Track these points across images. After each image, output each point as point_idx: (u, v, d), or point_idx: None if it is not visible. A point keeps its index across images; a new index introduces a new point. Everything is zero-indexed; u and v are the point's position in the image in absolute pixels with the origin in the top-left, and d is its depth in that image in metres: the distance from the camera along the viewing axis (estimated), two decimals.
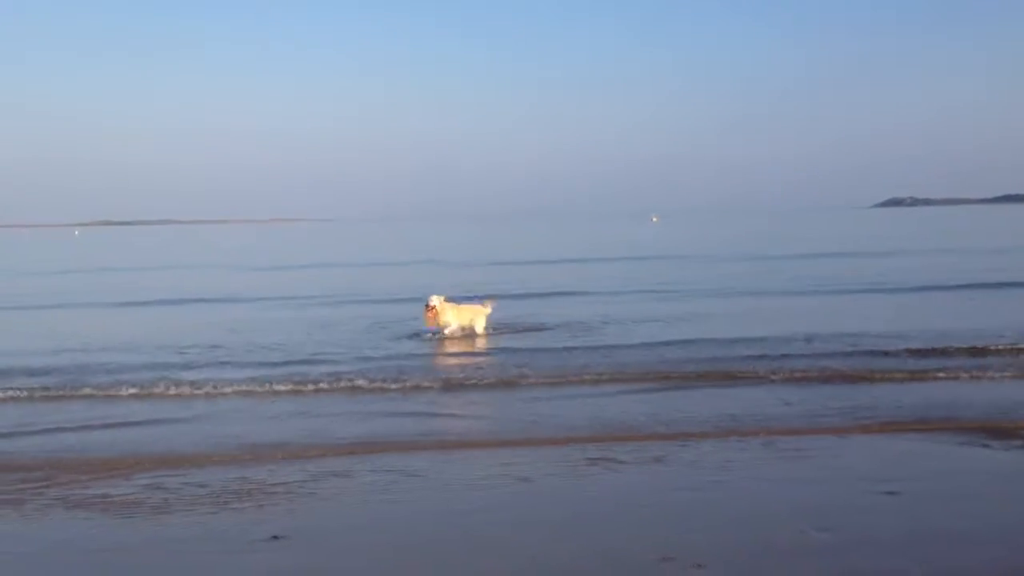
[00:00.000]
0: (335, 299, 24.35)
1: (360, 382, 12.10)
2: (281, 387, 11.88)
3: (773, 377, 12.03)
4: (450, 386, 12.10)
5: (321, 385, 11.90)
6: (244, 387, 11.97)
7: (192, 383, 12.19)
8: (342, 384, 12.03)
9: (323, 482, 7.96)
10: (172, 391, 11.81)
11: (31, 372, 13.31)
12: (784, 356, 13.25)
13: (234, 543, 6.47)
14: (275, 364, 13.72)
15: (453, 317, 16.07)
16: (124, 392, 11.84)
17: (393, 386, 11.91)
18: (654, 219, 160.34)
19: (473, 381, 12.27)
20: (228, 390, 11.85)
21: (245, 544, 6.44)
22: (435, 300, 15.92)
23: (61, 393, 11.94)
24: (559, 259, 41.87)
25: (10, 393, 11.80)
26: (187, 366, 13.74)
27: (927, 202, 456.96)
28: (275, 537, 6.53)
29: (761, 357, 13.22)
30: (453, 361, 14.30)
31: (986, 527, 6.58)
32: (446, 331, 15.99)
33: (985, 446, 8.74)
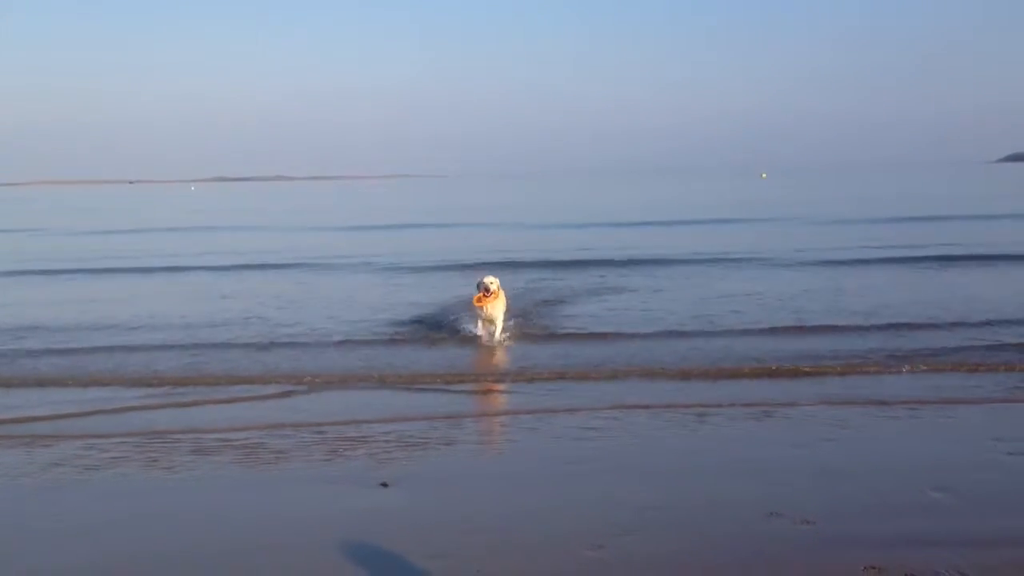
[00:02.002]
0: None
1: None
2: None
3: None
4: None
5: None
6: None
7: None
8: None
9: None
10: None
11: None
12: None
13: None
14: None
15: (501, 312, 12.19)
16: None
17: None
18: (763, 176, 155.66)
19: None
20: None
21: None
22: (494, 283, 11.88)
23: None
24: (684, 219, 38.23)
25: None
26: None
27: None
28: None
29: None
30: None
31: None
32: (495, 333, 12.18)
33: None
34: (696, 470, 7.12)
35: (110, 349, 12.10)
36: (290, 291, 17.84)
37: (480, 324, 12.17)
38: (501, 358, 11.36)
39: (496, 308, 11.94)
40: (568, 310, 14.63)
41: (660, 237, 29.93)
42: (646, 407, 8.86)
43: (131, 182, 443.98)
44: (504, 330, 12.26)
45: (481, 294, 11.76)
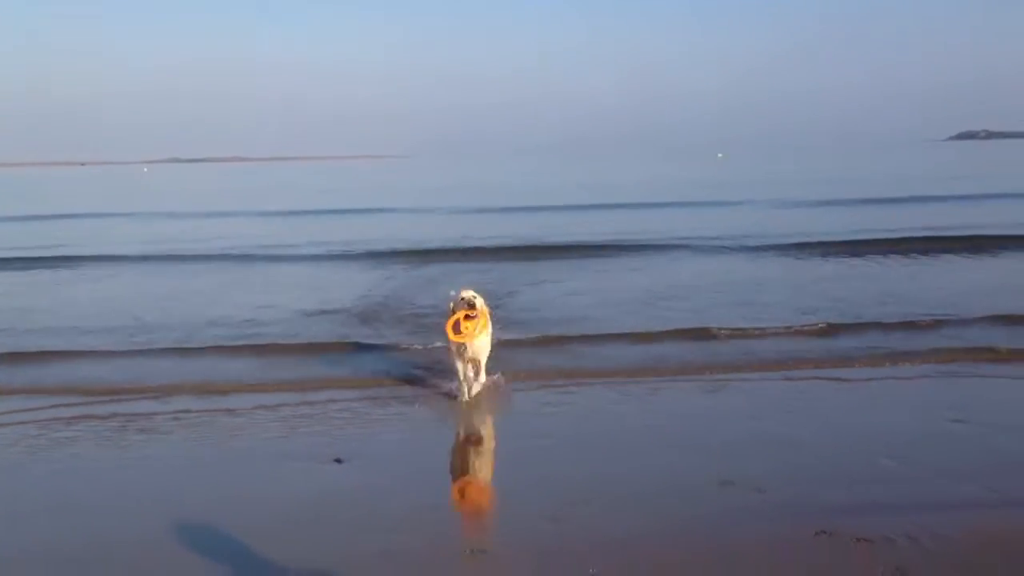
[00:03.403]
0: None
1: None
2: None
3: None
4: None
5: None
6: None
7: None
8: None
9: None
10: None
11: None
12: None
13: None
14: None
15: (488, 344, 8.22)
16: None
17: None
18: (720, 156, 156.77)
19: None
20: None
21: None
22: (478, 299, 7.90)
23: None
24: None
25: None
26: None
27: (1001, 135, 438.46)
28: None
29: None
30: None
31: None
32: (475, 379, 8.25)
33: None
34: (650, 442, 7.17)
35: None
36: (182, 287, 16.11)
37: (457, 366, 8.11)
38: (488, 434, 7.75)
39: (482, 339, 7.93)
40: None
41: (583, 221, 28.16)
42: (602, 381, 8.89)
43: (82, 164, 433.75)
44: (488, 371, 8.36)
45: (460, 316, 7.63)
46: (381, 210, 34.75)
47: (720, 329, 10.80)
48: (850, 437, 7.11)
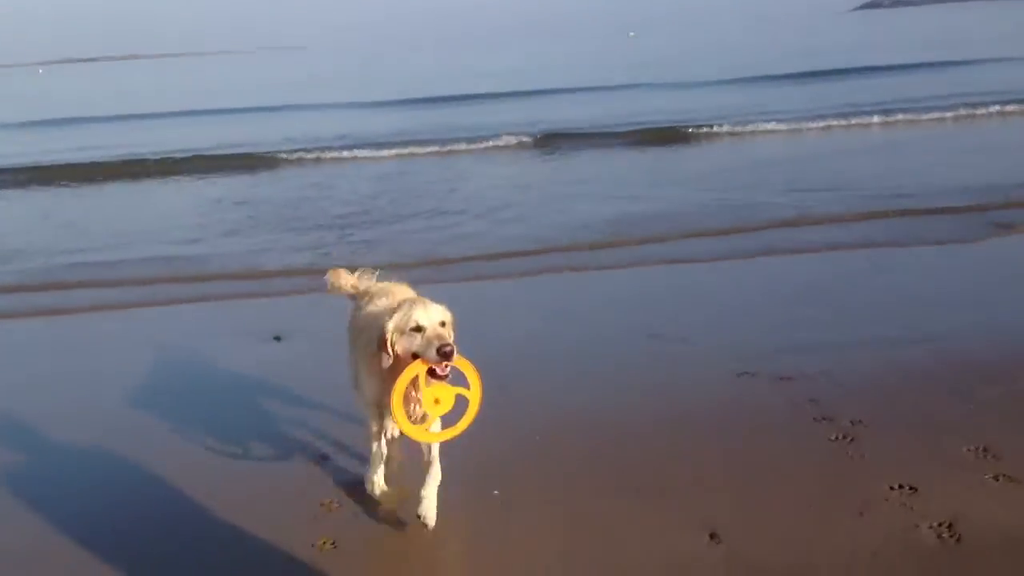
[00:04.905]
0: None
1: None
2: None
3: None
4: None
5: None
6: None
7: None
8: None
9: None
10: None
11: None
12: None
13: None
14: None
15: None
16: None
17: None
18: (632, 35, 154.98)
19: None
20: None
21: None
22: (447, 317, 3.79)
23: None
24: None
25: None
26: None
27: (907, 3, 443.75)
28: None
29: None
30: None
31: None
32: (430, 475, 4.01)
33: None
34: (582, 304, 7.42)
35: None
36: None
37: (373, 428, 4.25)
38: None
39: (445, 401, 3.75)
40: None
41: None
42: (532, 254, 9.13)
43: None
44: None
45: (419, 372, 3.65)
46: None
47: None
48: (771, 291, 7.45)
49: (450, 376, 3.58)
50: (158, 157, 19.37)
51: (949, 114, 19.22)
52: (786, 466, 4.32)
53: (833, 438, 4.56)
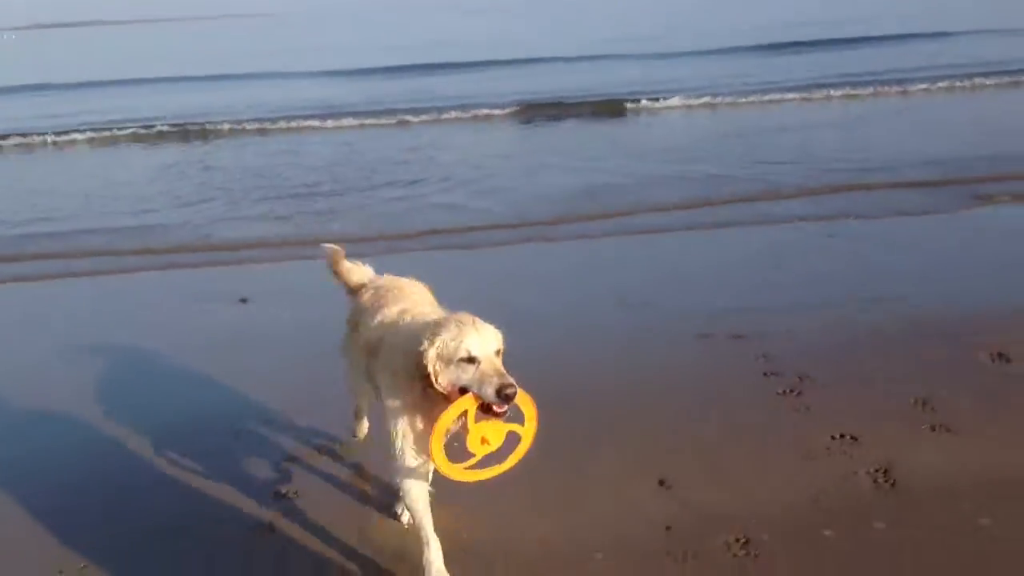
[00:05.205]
0: None
1: None
2: None
3: None
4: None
5: None
6: None
7: None
8: None
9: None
10: None
11: None
12: None
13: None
14: None
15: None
16: None
17: None
18: None
19: None
20: None
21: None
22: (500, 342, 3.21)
23: None
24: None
25: None
26: None
27: None
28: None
29: None
30: None
31: None
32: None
33: None
34: (551, 273, 7.62)
35: None
36: None
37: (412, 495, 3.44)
38: None
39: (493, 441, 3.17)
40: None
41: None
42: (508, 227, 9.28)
43: None
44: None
45: (470, 407, 3.06)
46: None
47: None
48: (734, 260, 7.63)
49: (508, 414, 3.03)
50: (121, 126, 19.23)
51: (921, 86, 19.27)
52: (735, 418, 4.52)
53: (781, 391, 4.76)
